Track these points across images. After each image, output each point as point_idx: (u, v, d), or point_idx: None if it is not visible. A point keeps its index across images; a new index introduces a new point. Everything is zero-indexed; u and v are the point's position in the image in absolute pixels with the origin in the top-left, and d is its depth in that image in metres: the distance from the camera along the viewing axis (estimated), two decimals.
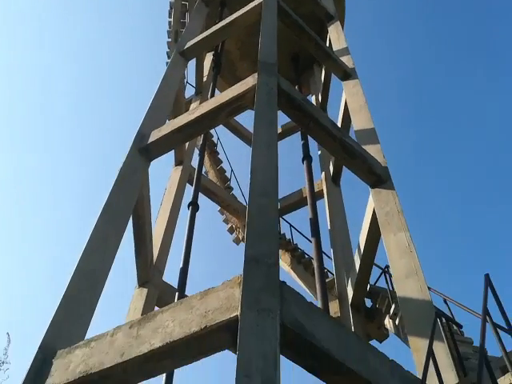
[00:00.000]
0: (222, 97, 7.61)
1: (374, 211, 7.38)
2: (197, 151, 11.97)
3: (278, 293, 3.88)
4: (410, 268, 5.94)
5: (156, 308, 8.00)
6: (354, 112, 9.86)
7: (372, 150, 8.39)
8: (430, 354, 4.34)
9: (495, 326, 4.43)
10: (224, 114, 7.65)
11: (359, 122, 9.50)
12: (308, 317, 3.95)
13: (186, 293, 7.55)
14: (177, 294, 7.35)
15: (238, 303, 3.80)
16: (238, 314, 3.69)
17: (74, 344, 4.49)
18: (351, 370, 3.83)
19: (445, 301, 6.24)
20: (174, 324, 3.96)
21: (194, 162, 11.22)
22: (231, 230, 13.02)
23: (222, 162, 14.21)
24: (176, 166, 10.79)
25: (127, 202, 6.75)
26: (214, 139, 14.48)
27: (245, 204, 11.83)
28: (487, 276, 5.08)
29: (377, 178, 7.71)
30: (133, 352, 3.95)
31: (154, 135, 7.64)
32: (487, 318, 4.41)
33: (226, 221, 13.10)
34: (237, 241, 12.84)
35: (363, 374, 3.87)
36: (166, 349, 3.85)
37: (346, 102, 10.65)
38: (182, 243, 8.39)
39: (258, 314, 3.66)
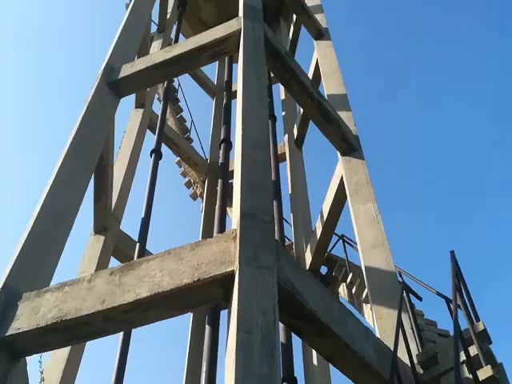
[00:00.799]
0: (203, 37, 7.22)
1: (341, 179, 7.47)
2: (159, 96, 11.40)
3: (274, 250, 3.85)
4: (377, 239, 6.13)
5: (113, 258, 7.74)
6: (326, 75, 9.75)
7: (344, 116, 8.39)
8: (400, 324, 4.57)
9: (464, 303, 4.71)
10: (205, 57, 7.29)
11: (331, 87, 9.44)
12: (297, 278, 3.98)
13: (146, 247, 7.28)
14: (137, 246, 7.07)
15: (233, 258, 3.73)
16: (235, 268, 3.63)
17: (39, 288, 4.23)
18: (334, 333, 3.95)
19: (400, 274, 6.56)
20: (162, 274, 3.83)
21: (155, 107, 10.75)
22: (189, 185, 12.61)
23: (182, 110, 13.57)
24: (136, 108, 10.14)
25: (96, 137, 6.33)
26: (175, 85, 13.77)
27: (205, 158, 11.52)
28: (452, 253, 5.36)
29: (348, 145, 7.77)
30: (116, 300, 3.78)
31: (126, 70, 7.12)
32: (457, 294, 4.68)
33: (184, 174, 12.63)
34: (194, 196, 12.46)
35: (344, 337, 4.00)
36: (154, 299, 3.73)
37: (316, 64, 10.46)
38: (142, 192, 8.02)
39: (257, 270, 3.63)
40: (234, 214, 4.27)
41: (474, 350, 4.39)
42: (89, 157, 6.05)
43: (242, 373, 2.96)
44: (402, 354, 4.54)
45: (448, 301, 5.65)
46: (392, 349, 4.43)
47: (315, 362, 7.22)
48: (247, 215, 4.04)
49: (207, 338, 5.82)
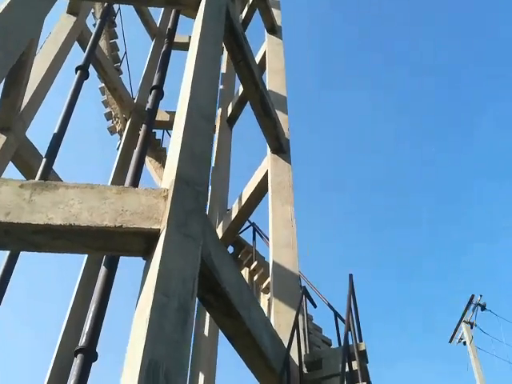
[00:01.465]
0: None
1: (266, 174, 7.60)
2: (94, 11, 10.52)
3: (202, 223, 3.76)
4: (288, 240, 6.30)
5: (12, 164, 7.29)
6: (272, 72, 9.84)
7: (280, 117, 8.55)
8: (296, 325, 4.71)
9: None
10: None
11: (274, 85, 9.53)
12: (218, 256, 3.94)
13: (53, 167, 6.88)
14: (44, 161, 6.60)
15: (161, 217, 3.58)
16: (161, 228, 3.48)
17: None
18: (239, 316, 3.96)
19: (299, 278, 6.79)
20: (81, 207, 3.54)
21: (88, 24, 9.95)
22: (109, 117, 11.69)
23: (117, 37, 12.39)
24: (68, 13, 9.25)
25: (24, 24, 5.50)
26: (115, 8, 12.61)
27: (132, 96, 10.98)
28: (351, 276, 5.69)
29: (279, 145, 7.90)
30: (23, 217, 3.42)
31: None
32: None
33: (106, 103, 11.70)
34: (112, 130, 11.64)
35: (246, 321, 4.03)
36: (67, 230, 3.43)
37: (263, 56, 10.46)
38: (58, 108, 7.39)
39: (184, 238, 3.51)
40: (168, 175, 4.09)
41: (354, 365, 4.65)
42: (9, 49, 5.30)
43: (154, 335, 2.83)
44: (292, 351, 4.67)
45: (336, 315, 5.96)
46: (284, 343, 4.57)
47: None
48: (182, 181, 3.89)
49: (101, 279, 5.53)
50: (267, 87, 9.26)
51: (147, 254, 3.50)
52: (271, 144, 7.90)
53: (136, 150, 7.46)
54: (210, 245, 3.85)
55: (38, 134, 8.22)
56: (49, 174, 6.97)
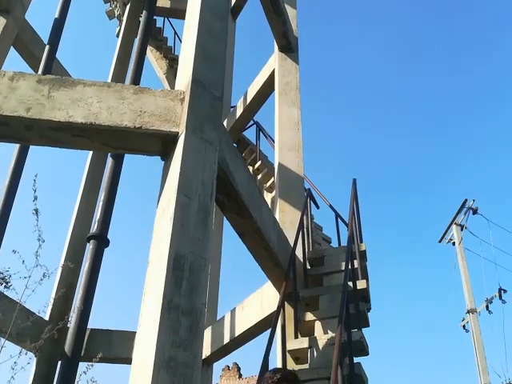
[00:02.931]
0: None
1: (273, 72, 7.49)
2: None
3: (219, 128, 3.85)
4: (294, 143, 6.41)
5: (14, 53, 7.19)
6: None
7: (289, 11, 8.22)
8: (302, 225, 5.00)
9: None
10: None
11: None
12: (232, 160, 4.08)
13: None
14: (47, 48, 6.50)
15: (179, 120, 3.65)
16: (180, 132, 3.58)
17: None
18: (251, 216, 4.20)
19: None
20: (100, 106, 3.61)
21: None
22: None
23: None
24: None
25: None
26: None
27: None
28: (354, 180, 5.89)
29: (287, 43, 7.69)
30: (44, 113, 3.50)
31: None
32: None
33: None
34: (111, 14, 11.11)
35: (257, 221, 4.29)
36: (88, 129, 3.52)
37: None
38: None
39: (202, 142, 3.61)
40: (183, 76, 4.08)
41: (355, 264, 5.01)
42: None
43: (179, 232, 3.06)
44: (297, 248, 5.02)
45: (337, 215, 6.27)
46: (289, 240, 4.92)
47: None
48: (198, 83, 3.90)
49: (109, 170, 5.77)
50: None
51: (166, 155, 3.64)
52: (279, 41, 7.67)
53: (137, 39, 7.27)
54: (226, 150, 3.97)
55: (38, 18, 8.02)
56: (53, 63, 6.89)
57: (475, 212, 16.46)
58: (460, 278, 15.73)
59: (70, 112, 3.54)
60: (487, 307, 15.60)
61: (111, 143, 3.75)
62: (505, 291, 15.40)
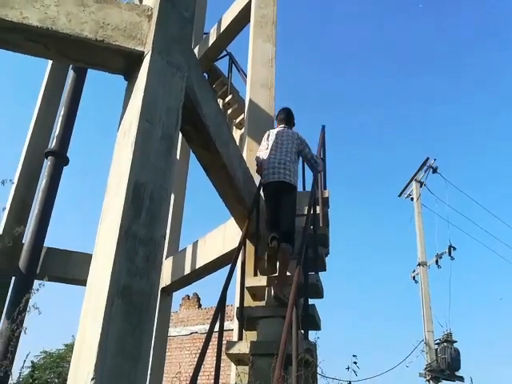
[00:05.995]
0: None
1: (250, 1, 7.11)
2: None
3: (187, 54, 3.60)
4: (266, 80, 6.18)
5: None
6: None
7: None
8: None
9: None
10: None
11: None
12: (201, 89, 3.87)
13: None
14: None
15: (145, 39, 3.38)
16: (145, 51, 3.32)
17: None
18: (217, 151, 4.06)
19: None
20: (58, 10, 3.26)
21: None
22: None
23: None
24: None
25: None
26: None
27: None
28: (323, 127, 5.82)
29: None
30: None
31: None
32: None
33: None
34: None
35: (223, 157, 4.15)
36: (43, 34, 3.17)
37: None
38: None
39: (168, 66, 3.37)
40: None
41: (318, 210, 4.99)
42: None
43: (140, 160, 2.90)
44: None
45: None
46: (255, 180, 4.83)
47: None
48: (168, 0, 3.61)
49: (70, 84, 5.38)
50: None
51: (129, 75, 3.39)
52: None
53: None
54: (194, 78, 3.75)
55: None
56: None
57: (435, 171, 16.93)
58: (415, 231, 16.31)
59: (24, 12, 3.20)
60: (437, 262, 16.30)
61: (69, 54, 3.44)
62: (454, 248, 16.12)
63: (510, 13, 37.90)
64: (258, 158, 4.99)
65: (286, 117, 5.18)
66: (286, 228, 4.37)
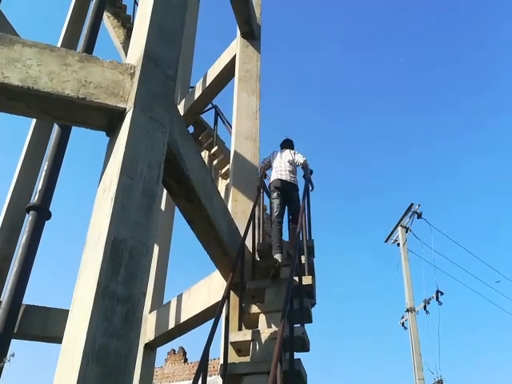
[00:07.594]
0: None
1: (234, 58, 7.34)
2: None
3: (170, 109, 3.66)
4: (251, 132, 6.29)
5: None
6: None
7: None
8: (253, 215, 4.89)
9: None
10: None
11: None
12: (184, 144, 3.91)
13: None
14: None
15: (127, 96, 3.44)
16: (127, 108, 3.37)
17: None
18: (201, 203, 4.05)
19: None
20: (40, 70, 3.33)
21: None
22: None
23: None
24: None
25: None
26: None
27: None
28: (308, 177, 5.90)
29: (250, 30, 7.55)
30: None
31: None
32: None
33: None
34: None
35: (208, 209, 4.13)
36: (24, 93, 3.24)
37: None
38: None
39: (151, 121, 3.42)
40: (134, 50, 3.85)
41: (303, 259, 4.95)
42: None
43: (119, 215, 2.87)
44: (247, 239, 4.91)
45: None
46: (240, 230, 4.79)
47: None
48: (151, 59, 3.68)
49: (54, 139, 5.37)
50: None
51: (111, 131, 3.42)
52: (241, 27, 7.52)
53: (93, 2, 6.79)
54: (177, 132, 3.79)
55: None
56: None
57: (419, 216, 17.11)
58: (402, 278, 16.25)
59: (5, 72, 3.26)
60: (425, 307, 16.19)
61: (51, 112, 3.47)
62: (442, 293, 16.06)
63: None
64: (262, 163, 5.78)
65: (286, 144, 6.01)
66: (295, 210, 5.43)
